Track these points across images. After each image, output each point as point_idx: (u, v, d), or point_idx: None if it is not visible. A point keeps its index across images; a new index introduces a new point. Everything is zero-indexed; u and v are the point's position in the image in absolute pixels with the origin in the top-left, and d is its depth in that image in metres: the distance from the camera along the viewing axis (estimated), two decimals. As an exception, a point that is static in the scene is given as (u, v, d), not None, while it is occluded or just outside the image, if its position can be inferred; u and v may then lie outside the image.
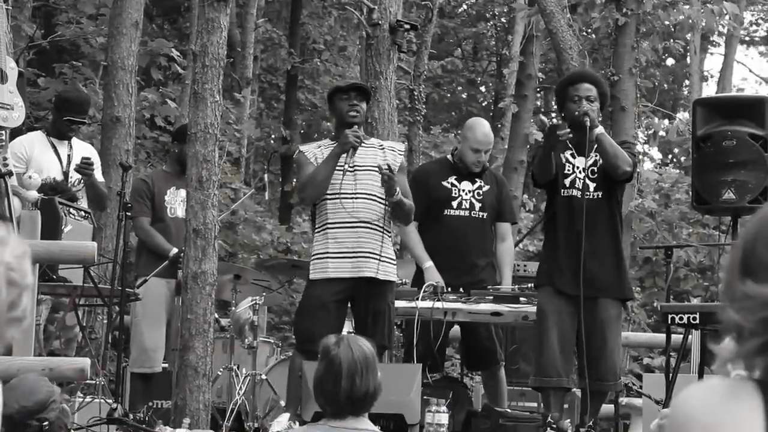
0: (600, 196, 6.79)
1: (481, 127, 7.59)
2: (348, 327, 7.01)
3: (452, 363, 12.37)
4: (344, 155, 6.56)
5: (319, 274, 6.60)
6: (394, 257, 6.81)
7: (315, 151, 6.72)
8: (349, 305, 6.74)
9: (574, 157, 6.80)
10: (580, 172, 6.77)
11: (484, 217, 7.50)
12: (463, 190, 7.50)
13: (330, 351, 4.33)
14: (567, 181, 6.79)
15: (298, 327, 6.83)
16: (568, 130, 6.62)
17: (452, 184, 7.50)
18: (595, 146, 6.75)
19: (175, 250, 7.86)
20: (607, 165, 6.70)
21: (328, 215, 6.63)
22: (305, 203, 6.64)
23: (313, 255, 6.69)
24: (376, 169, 6.52)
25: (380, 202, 6.64)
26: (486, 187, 7.54)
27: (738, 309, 1.84)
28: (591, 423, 6.67)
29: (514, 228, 14.98)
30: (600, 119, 7.01)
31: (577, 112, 6.70)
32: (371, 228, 6.60)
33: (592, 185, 6.78)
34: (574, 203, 6.74)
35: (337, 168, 6.59)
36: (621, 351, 6.90)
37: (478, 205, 7.49)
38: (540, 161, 6.83)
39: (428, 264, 7.35)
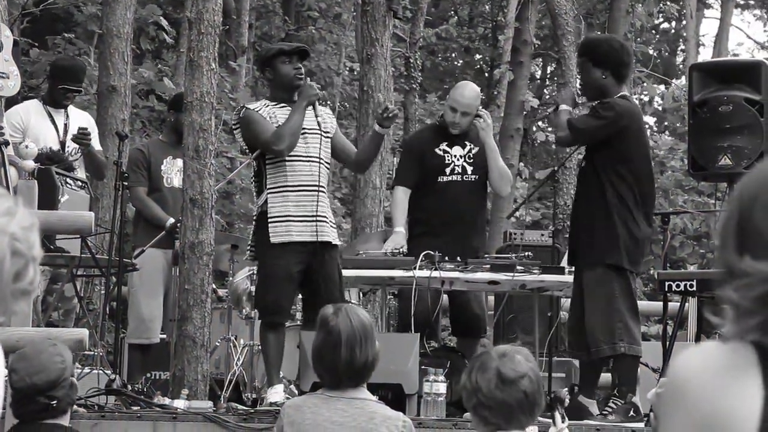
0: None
1: (462, 88, 7.62)
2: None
3: (449, 332, 12.41)
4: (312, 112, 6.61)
5: (282, 238, 6.51)
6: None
7: (265, 109, 6.65)
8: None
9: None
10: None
11: (476, 179, 7.53)
12: (455, 156, 7.53)
13: (329, 321, 4.31)
14: None
15: (264, 298, 6.61)
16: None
17: (444, 151, 7.53)
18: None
19: (171, 220, 7.84)
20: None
21: (287, 177, 6.57)
22: (282, 154, 6.54)
23: (272, 217, 6.54)
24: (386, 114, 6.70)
25: (328, 168, 6.75)
26: (476, 149, 7.55)
27: (735, 287, 1.75)
28: (616, 391, 6.53)
29: (509, 197, 15.01)
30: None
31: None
32: (324, 193, 6.65)
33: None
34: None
35: (309, 131, 6.62)
36: (602, 314, 6.50)
37: (470, 169, 7.52)
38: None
39: (398, 229, 7.39)
